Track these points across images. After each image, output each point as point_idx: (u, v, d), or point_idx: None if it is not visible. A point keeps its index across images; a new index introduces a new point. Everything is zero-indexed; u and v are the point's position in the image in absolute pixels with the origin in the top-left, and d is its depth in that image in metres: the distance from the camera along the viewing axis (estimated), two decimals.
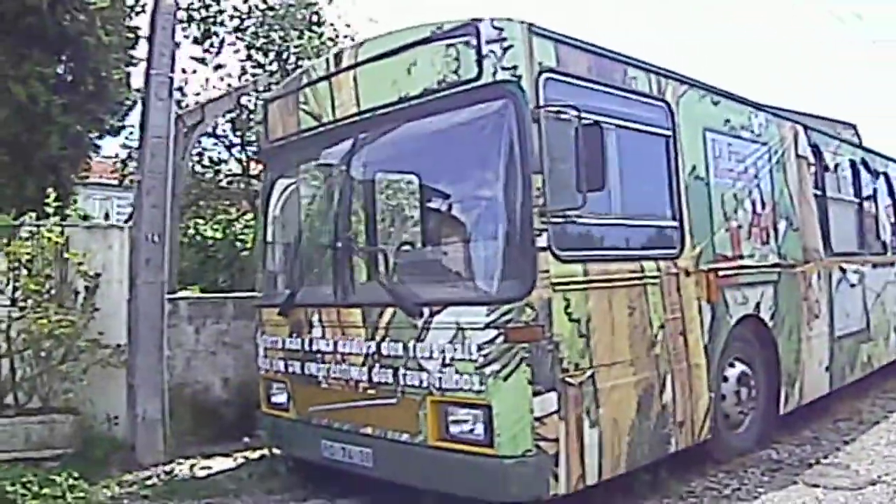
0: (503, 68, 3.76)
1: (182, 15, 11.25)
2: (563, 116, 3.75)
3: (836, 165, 6.94)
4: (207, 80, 11.94)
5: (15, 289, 5.46)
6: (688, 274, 4.60)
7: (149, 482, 4.96)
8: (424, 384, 3.90)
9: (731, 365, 5.06)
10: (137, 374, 5.34)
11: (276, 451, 5.14)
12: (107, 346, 5.49)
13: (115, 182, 13.96)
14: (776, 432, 5.45)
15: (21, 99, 8.91)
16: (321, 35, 11.60)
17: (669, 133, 4.66)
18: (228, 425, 6.05)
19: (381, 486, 4.23)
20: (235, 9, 11.79)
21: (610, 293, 4.03)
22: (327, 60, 4.80)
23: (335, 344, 4.43)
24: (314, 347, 4.58)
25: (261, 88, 9.02)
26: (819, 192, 6.43)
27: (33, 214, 6.08)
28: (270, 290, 5.22)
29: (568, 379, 3.74)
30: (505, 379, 3.62)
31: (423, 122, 4.14)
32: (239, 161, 11.99)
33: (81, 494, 4.61)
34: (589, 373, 3.86)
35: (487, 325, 3.66)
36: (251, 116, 11.16)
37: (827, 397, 6.21)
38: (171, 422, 5.56)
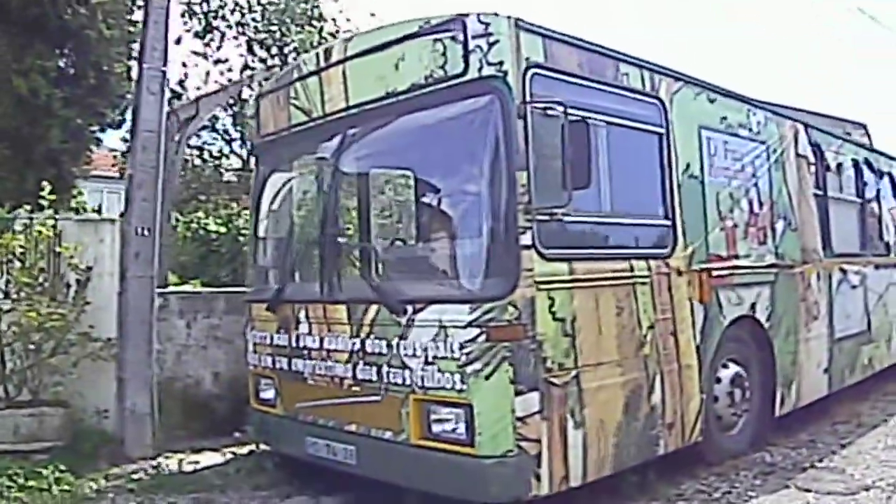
0: (489, 63, 3.71)
1: (184, 9, 11.25)
2: (549, 113, 3.70)
3: (839, 165, 6.84)
4: (208, 73, 11.95)
5: (7, 281, 5.48)
6: (680, 273, 4.53)
7: (135, 476, 4.96)
8: (407, 382, 3.87)
9: (725, 366, 4.99)
10: (127, 367, 5.34)
11: (263, 446, 5.13)
12: (97, 339, 5.49)
13: (117, 175, 14.02)
14: (772, 435, 5.38)
15: (22, 92, 8.96)
16: (321, 30, 11.58)
17: (663, 130, 4.59)
18: (219, 420, 6.05)
19: (367, 484, 4.21)
20: (237, 4, 11.79)
21: (597, 292, 3.98)
22: (317, 55, 4.76)
23: (321, 340, 4.41)
24: (301, 343, 4.56)
25: (258, 83, 9.01)
26: (820, 192, 6.33)
27: (28, 207, 6.08)
28: (260, 285, 5.21)
29: (551, 379, 3.69)
30: (486, 378, 3.58)
31: (410, 117, 4.10)
32: (239, 156, 12.01)
33: (67, 487, 4.62)
34: (574, 373, 3.81)
35: (469, 324, 3.62)
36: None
37: (825, 399, 6.13)
38: (160, 416, 5.57)
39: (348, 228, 5.18)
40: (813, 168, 6.26)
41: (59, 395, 5.41)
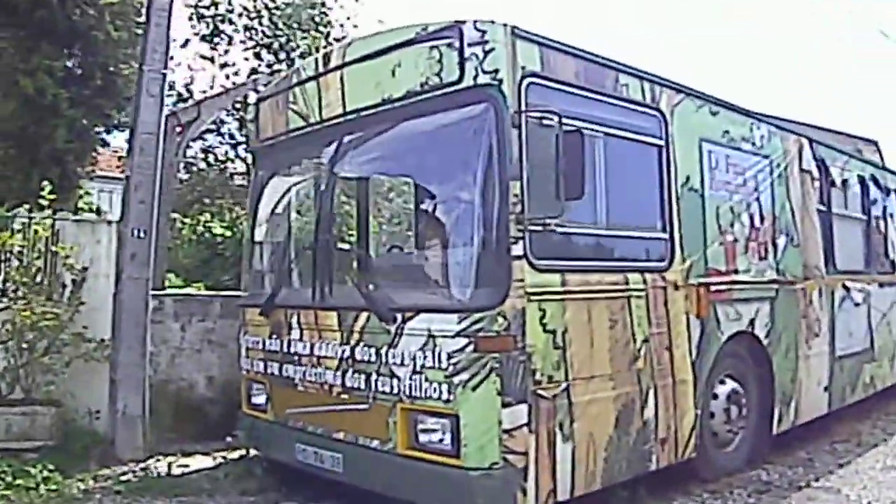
0: (484, 71, 3.68)
1: (191, 12, 11.30)
2: (545, 122, 3.66)
3: (844, 181, 6.76)
4: (214, 77, 11.98)
5: (4, 280, 5.48)
6: (676, 287, 4.47)
7: (124, 477, 4.93)
8: (395, 391, 3.83)
9: (722, 382, 4.92)
10: (119, 369, 5.32)
11: (253, 451, 5.10)
12: (91, 340, 5.49)
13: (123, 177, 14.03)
14: (769, 452, 5.30)
15: (29, 92, 9.00)
16: (328, 35, 11.60)
17: (662, 143, 4.54)
18: (212, 423, 6.03)
19: (355, 492, 4.16)
20: (245, 8, 11.83)
21: (590, 305, 3.93)
22: (316, 60, 4.76)
23: (312, 346, 4.38)
24: (292, 349, 4.53)
25: (261, 87, 9.00)
26: (824, 208, 6.27)
27: (26, 206, 6.10)
28: (255, 289, 5.19)
29: (540, 391, 3.64)
30: (474, 389, 3.54)
31: (405, 124, 4.08)
32: (244, 160, 12.01)
33: (55, 487, 4.61)
34: (564, 385, 3.75)
35: (458, 334, 3.58)
36: None
37: (826, 418, 6.04)
38: (153, 418, 5.55)
39: (342, 234, 5.16)
40: (817, 183, 6.18)
41: (51, 395, 5.41)
